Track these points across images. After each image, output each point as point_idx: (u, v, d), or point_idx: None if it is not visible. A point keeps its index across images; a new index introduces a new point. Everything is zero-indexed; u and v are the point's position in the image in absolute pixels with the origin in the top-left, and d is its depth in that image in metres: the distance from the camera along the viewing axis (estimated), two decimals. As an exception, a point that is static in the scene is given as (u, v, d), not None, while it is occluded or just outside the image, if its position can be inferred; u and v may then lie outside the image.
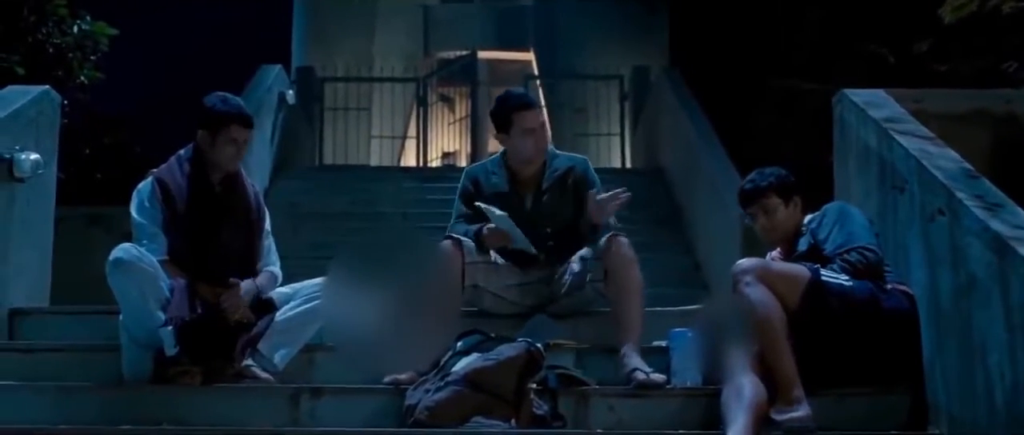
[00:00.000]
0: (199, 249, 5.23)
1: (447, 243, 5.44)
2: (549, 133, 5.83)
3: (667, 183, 12.90)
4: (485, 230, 5.49)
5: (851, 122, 5.87)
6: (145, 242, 5.19)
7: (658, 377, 4.98)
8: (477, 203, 5.57)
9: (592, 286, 5.44)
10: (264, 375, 5.20)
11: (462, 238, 5.48)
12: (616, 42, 18.95)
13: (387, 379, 4.98)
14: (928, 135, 5.22)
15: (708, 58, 16.25)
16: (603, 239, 5.40)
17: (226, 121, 5.38)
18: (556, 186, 5.70)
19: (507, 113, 5.69)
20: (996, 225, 4.14)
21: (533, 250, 5.53)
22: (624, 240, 5.40)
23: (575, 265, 5.52)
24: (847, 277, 4.85)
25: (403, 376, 4.98)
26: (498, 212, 5.46)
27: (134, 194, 5.36)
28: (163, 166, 5.44)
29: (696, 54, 16.86)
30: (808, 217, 5.32)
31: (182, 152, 5.45)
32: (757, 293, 4.71)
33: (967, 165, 4.82)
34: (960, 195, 4.43)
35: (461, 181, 5.86)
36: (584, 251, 5.52)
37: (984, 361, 4.13)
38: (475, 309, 5.58)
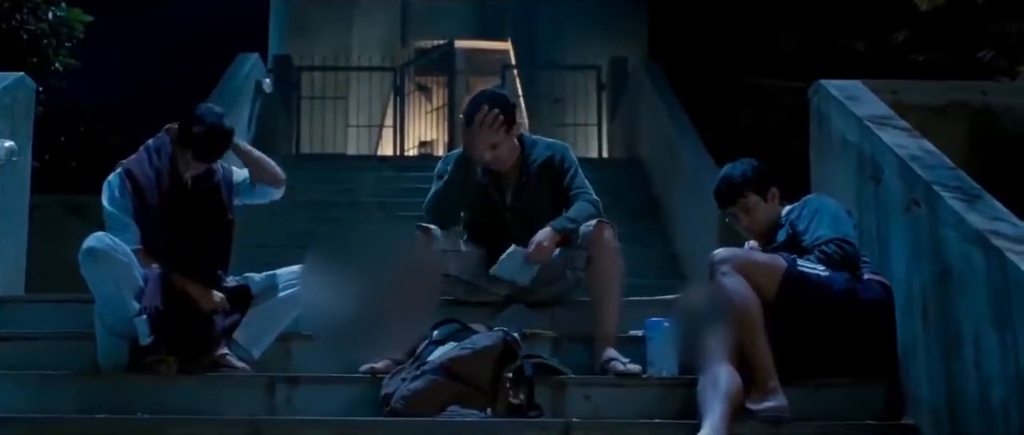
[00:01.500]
0: (172, 241, 5.22)
1: (418, 233, 5.41)
2: (492, 141, 5.47)
3: (645, 174, 12.91)
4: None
5: (829, 113, 5.88)
6: (118, 232, 5.16)
7: (634, 367, 5.01)
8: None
9: (574, 274, 5.43)
10: (240, 364, 5.19)
11: (431, 227, 5.41)
12: (594, 32, 18.93)
13: (364, 367, 4.97)
14: (905, 127, 5.24)
15: (687, 50, 16.26)
16: (591, 226, 5.35)
17: (188, 145, 5.30)
18: (535, 177, 5.63)
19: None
20: (973, 217, 4.15)
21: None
22: (610, 228, 5.36)
23: (564, 252, 5.51)
24: (824, 268, 4.87)
25: (379, 364, 4.98)
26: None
27: (104, 185, 5.34)
28: (132, 157, 5.41)
29: (675, 45, 16.85)
30: (787, 208, 5.34)
31: (151, 142, 5.42)
32: (734, 283, 4.72)
33: (944, 157, 4.83)
34: (937, 187, 4.44)
35: (440, 164, 5.67)
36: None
37: (960, 352, 4.15)
38: (450, 298, 5.55)
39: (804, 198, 5.31)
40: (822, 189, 5.89)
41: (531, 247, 5.36)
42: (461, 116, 5.64)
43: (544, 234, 5.37)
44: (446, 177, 5.54)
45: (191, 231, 5.29)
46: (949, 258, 4.28)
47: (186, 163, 5.34)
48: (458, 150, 5.66)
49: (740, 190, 5.30)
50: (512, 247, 5.41)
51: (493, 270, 5.42)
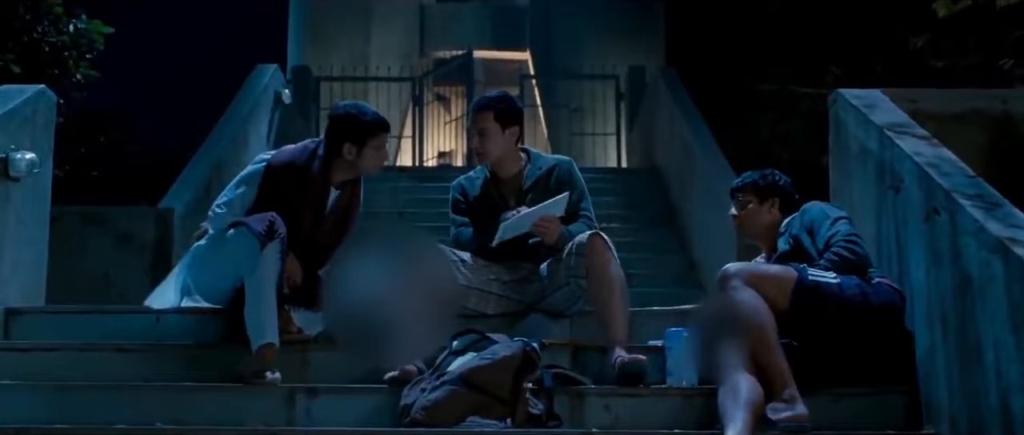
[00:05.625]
0: (299, 237, 5.32)
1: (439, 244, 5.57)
2: (480, 125, 5.72)
3: (663, 183, 12.91)
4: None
5: (847, 122, 5.87)
6: (228, 216, 5.33)
7: (638, 357, 5.03)
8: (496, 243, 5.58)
9: (576, 282, 5.45)
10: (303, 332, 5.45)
11: (443, 247, 5.58)
12: (612, 41, 18.97)
13: (387, 376, 4.96)
14: (924, 135, 5.23)
15: (704, 58, 16.26)
16: (586, 236, 5.43)
17: (371, 131, 5.52)
18: (538, 185, 5.72)
19: None
20: (993, 225, 4.14)
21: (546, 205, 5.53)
22: (603, 237, 5.44)
23: (552, 266, 5.58)
24: (834, 274, 4.87)
25: (408, 367, 4.95)
26: (508, 218, 5.51)
27: (248, 168, 5.54)
28: (289, 147, 5.61)
29: (692, 54, 16.87)
30: (787, 219, 5.39)
31: (310, 143, 5.59)
32: (745, 296, 4.71)
33: (964, 165, 4.82)
34: (957, 195, 4.43)
35: (450, 195, 5.91)
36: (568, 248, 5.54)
37: (981, 361, 4.14)
38: (464, 311, 5.55)
39: (802, 207, 5.38)
40: (841, 197, 5.89)
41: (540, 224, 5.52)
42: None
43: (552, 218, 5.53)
44: (462, 204, 5.82)
45: (317, 235, 5.46)
46: (969, 267, 4.26)
47: (376, 155, 5.54)
48: (455, 180, 5.96)
49: (743, 188, 5.58)
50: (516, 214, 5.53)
51: (498, 237, 5.50)
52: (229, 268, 5.18)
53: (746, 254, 6.48)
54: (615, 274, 5.35)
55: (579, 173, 5.86)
